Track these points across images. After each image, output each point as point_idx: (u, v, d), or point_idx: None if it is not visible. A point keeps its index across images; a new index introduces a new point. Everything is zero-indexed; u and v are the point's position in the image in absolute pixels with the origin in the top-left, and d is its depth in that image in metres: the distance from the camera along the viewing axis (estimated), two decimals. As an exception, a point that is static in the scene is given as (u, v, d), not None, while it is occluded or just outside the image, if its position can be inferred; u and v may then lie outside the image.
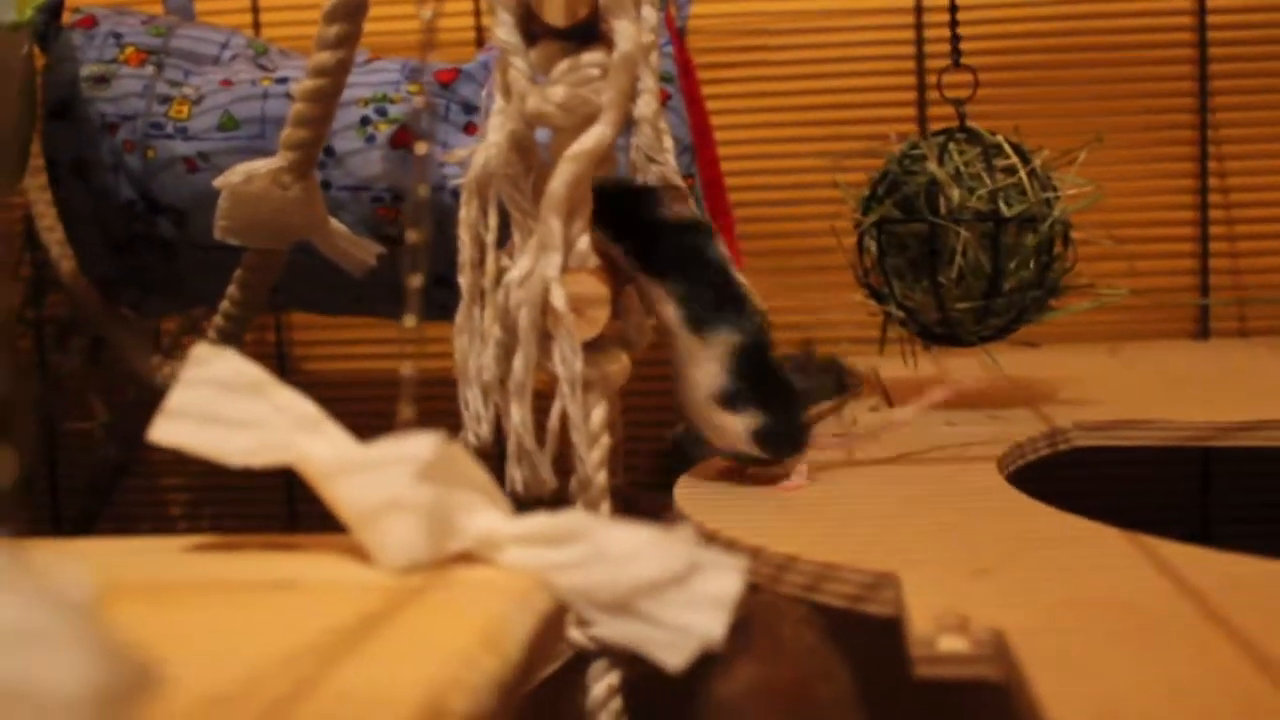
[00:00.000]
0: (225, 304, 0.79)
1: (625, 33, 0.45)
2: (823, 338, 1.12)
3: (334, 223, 0.75)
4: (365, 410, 1.15)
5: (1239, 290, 1.10)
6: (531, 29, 0.47)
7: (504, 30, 0.46)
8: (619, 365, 0.50)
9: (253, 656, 0.30)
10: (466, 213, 0.49)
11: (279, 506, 1.18)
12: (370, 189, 0.79)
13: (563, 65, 0.46)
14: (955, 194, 0.73)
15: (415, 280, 0.35)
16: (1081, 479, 0.89)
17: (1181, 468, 1.09)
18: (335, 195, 0.79)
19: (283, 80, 0.82)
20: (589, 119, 0.46)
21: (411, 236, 0.36)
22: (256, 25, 1.15)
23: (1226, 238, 1.10)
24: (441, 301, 0.75)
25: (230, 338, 0.80)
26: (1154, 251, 1.09)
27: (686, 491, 0.60)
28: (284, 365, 1.18)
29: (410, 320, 0.37)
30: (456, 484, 0.38)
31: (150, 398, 1.01)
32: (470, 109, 0.80)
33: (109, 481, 1.11)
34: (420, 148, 0.67)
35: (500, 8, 0.47)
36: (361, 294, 0.85)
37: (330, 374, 1.19)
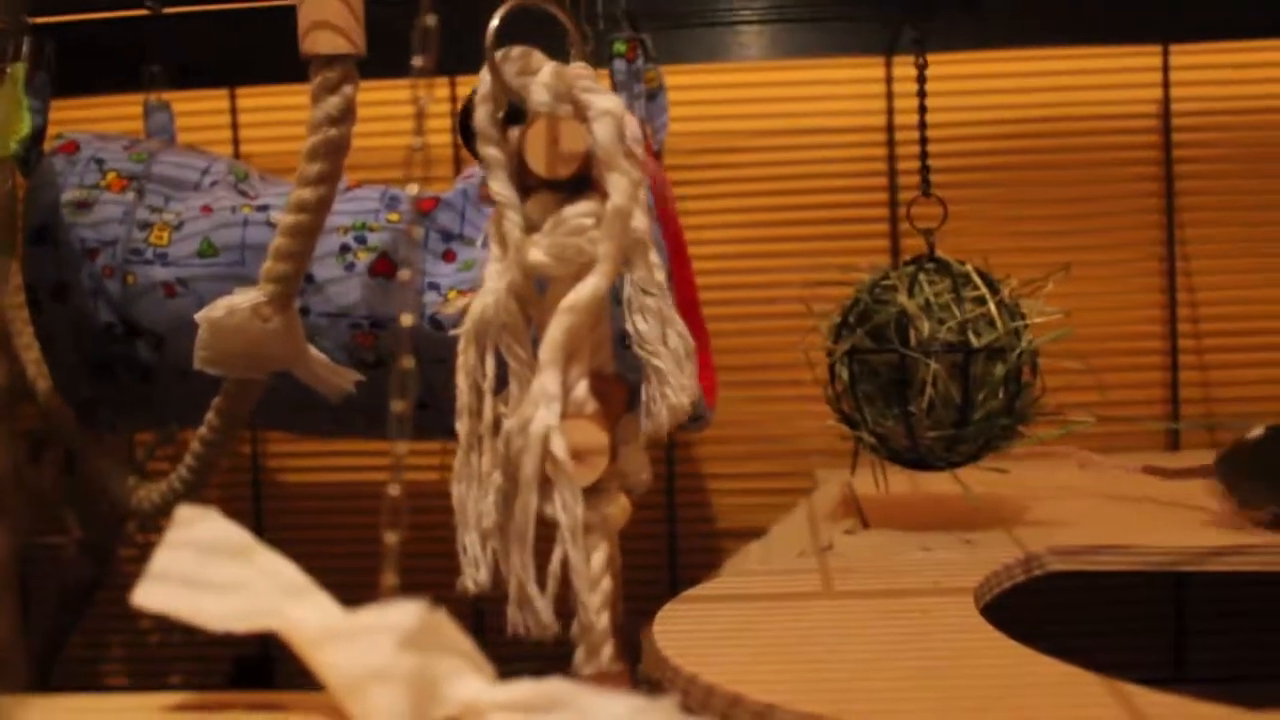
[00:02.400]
0: (204, 431, 0.79)
1: (618, 185, 0.47)
2: (795, 451, 1.13)
3: (313, 351, 0.75)
4: (340, 523, 1.16)
5: (1209, 404, 1.11)
6: (525, 181, 0.48)
7: (498, 183, 0.48)
8: (618, 507, 0.50)
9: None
10: (464, 360, 0.49)
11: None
12: (349, 316, 0.80)
13: (549, 221, 0.47)
14: (925, 326, 0.75)
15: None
16: (1053, 591, 0.90)
17: (1155, 591, 1.10)
18: (314, 321, 0.80)
19: (263, 208, 0.82)
20: (584, 267, 0.47)
21: (396, 407, 0.37)
22: (236, 142, 1.16)
23: (1195, 350, 1.11)
24: (420, 424, 0.76)
25: (209, 464, 0.81)
26: (1124, 365, 1.11)
27: (664, 629, 0.60)
28: (259, 478, 1.18)
29: (394, 489, 0.37)
30: (440, 651, 0.38)
31: (123, 512, 1.01)
32: (449, 236, 0.81)
33: (82, 598, 1.10)
34: (404, 274, 0.67)
35: (493, 162, 0.48)
36: (339, 416, 0.86)
37: (305, 486, 1.18)
